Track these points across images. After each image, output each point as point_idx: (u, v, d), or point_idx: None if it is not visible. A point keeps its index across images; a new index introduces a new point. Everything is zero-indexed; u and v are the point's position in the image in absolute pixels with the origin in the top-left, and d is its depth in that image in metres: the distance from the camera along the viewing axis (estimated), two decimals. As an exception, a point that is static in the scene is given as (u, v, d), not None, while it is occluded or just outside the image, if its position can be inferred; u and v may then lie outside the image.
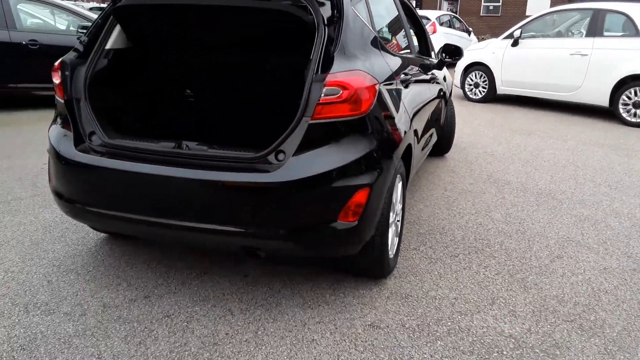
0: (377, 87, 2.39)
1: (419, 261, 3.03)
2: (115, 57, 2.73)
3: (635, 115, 7.43)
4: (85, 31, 7.43)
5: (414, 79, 3.27)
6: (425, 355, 2.19)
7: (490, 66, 9.05)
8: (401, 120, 2.69)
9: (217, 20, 2.83)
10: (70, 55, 2.64)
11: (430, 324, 2.42)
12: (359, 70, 2.31)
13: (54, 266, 2.89)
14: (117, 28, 2.75)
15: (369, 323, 2.41)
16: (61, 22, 8.24)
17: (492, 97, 9.24)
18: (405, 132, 2.73)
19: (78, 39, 2.83)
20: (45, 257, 3.00)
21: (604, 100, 7.72)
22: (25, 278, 2.75)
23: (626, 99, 7.45)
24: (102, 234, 3.30)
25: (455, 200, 4.11)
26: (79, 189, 2.50)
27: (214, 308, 2.51)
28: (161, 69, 3.31)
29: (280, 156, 2.23)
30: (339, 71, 2.24)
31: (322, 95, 2.18)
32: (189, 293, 2.64)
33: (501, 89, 9.07)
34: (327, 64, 2.26)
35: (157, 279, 2.77)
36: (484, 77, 9.23)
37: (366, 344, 2.26)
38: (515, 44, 8.72)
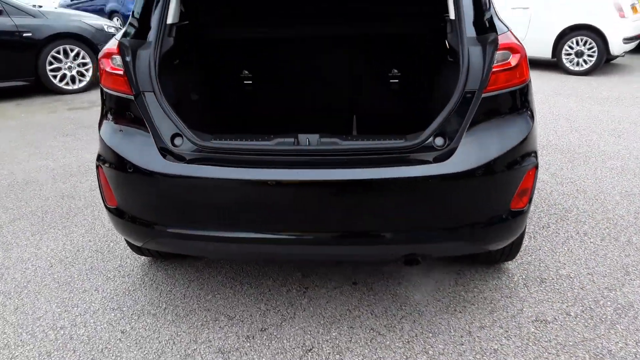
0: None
1: (519, 237, 2.81)
2: (178, 36, 2.10)
3: (577, 64, 7.79)
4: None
5: None
6: (619, 344, 1.98)
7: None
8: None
9: None
10: (126, 36, 1.98)
11: (592, 307, 2.21)
12: (510, 31, 1.96)
13: (114, 310, 2.26)
14: None
15: (534, 318, 2.14)
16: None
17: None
18: None
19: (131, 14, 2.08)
20: (91, 300, 2.34)
21: (546, 52, 8.00)
22: (87, 333, 2.11)
23: (568, 49, 7.78)
24: (142, 257, 2.67)
25: (493, 166, 3.94)
26: (166, 207, 1.92)
27: (354, 330, 2.09)
28: (230, 47, 2.68)
29: (438, 140, 1.84)
30: (502, 32, 1.88)
31: (495, 61, 1.81)
32: (308, 315, 2.19)
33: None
34: (484, 24, 1.89)
35: (257, 304, 2.27)
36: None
37: (552, 343, 2.00)
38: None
